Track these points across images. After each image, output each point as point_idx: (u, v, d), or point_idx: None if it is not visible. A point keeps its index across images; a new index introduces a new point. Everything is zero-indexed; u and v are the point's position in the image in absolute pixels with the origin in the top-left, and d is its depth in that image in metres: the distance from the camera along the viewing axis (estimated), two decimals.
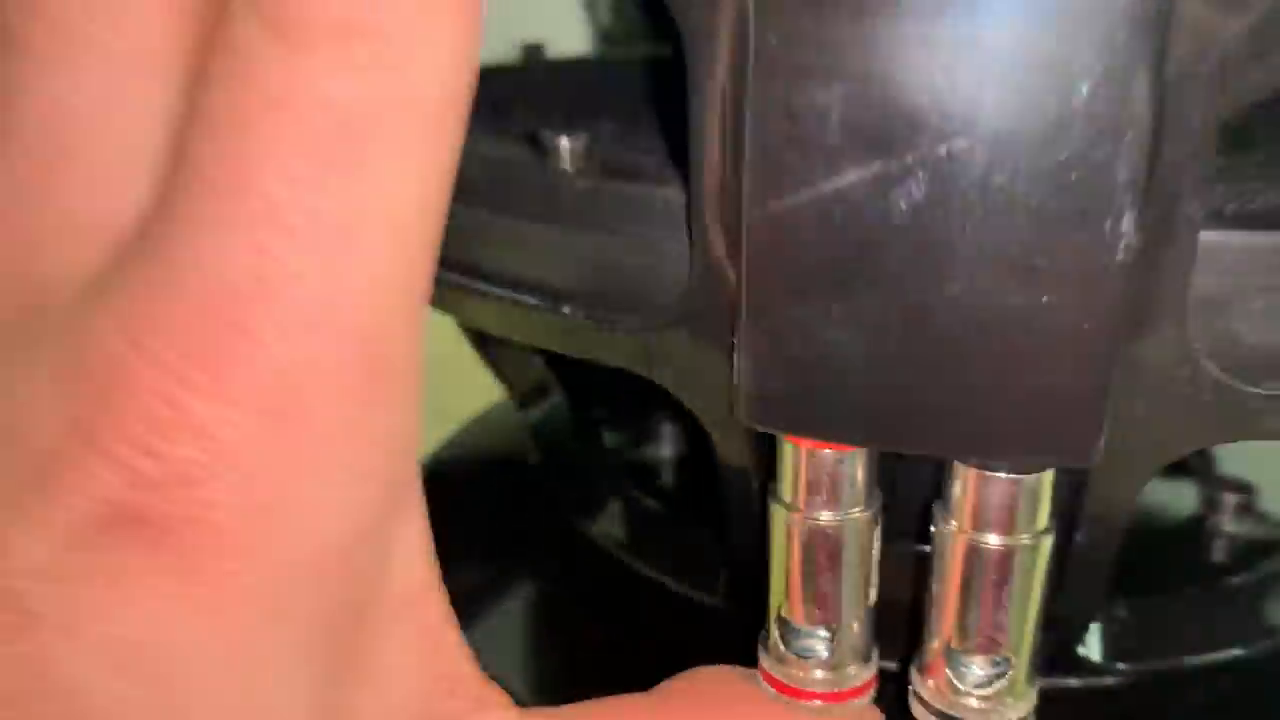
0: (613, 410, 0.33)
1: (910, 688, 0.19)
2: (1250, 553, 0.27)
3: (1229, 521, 0.28)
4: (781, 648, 0.18)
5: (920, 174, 0.14)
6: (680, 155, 0.17)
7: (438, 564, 0.16)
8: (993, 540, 0.17)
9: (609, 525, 0.28)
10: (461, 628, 0.17)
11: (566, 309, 0.20)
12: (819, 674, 0.18)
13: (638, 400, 0.32)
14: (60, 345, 0.14)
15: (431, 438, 0.34)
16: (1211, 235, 0.15)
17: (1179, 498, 0.29)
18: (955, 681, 0.18)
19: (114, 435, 0.13)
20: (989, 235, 0.14)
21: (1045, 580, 0.17)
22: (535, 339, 0.21)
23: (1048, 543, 0.17)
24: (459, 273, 0.21)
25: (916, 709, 0.18)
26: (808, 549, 0.18)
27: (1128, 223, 0.14)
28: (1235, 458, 0.30)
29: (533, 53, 0.34)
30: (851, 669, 0.18)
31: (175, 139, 0.14)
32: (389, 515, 0.15)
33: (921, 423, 0.16)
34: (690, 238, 0.17)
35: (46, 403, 0.14)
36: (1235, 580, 0.26)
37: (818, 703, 0.18)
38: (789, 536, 0.18)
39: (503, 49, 0.34)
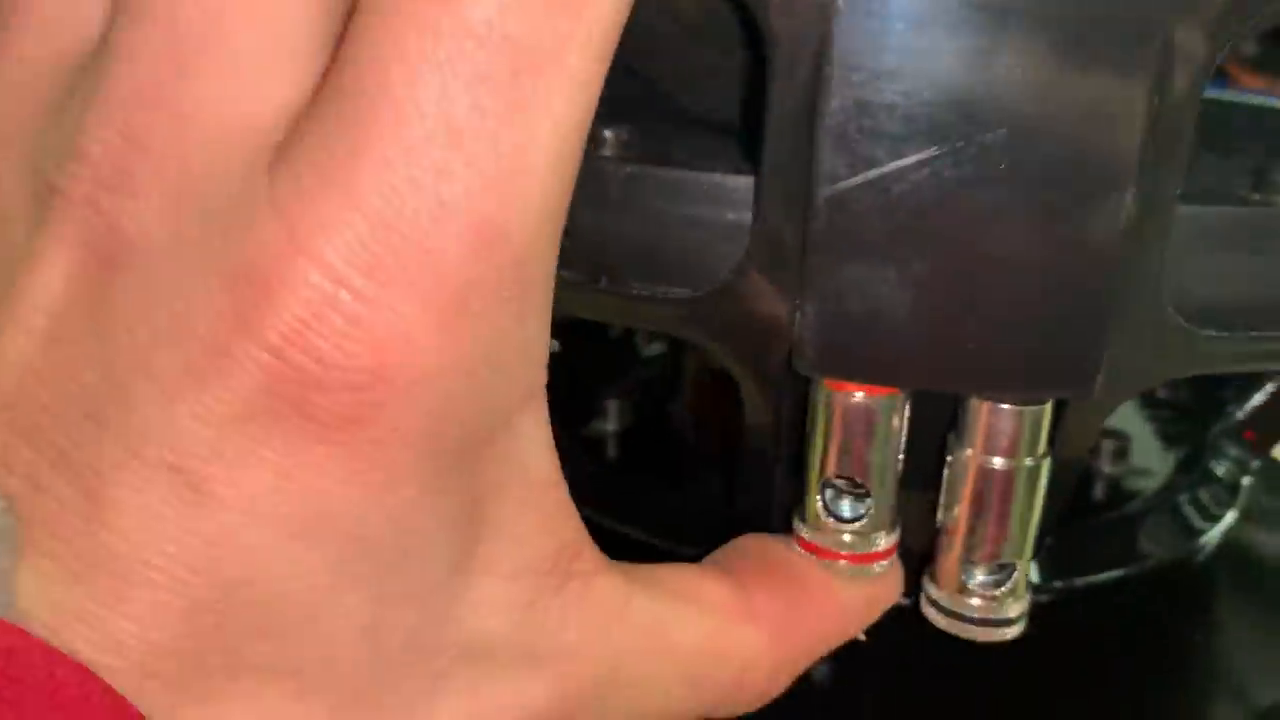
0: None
1: (923, 593, 0.22)
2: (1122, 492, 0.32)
3: (1108, 464, 0.33)
4: (820, 515, 0.21)
5: (965, 156, 0.18)
6: (701, 145, 0.20)
7: (559, 459, 0.18)
8: (999, 463, 0.20)
9: None
10: None
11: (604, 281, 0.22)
12: (848, 538, 0.21)
13: (581, 377, 0.35)
14: (227, 246, 0.15)
15: None
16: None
17: None
18: (966, 583, 0.21)
19: (279, 334, 0.14)
20: (1019, 207, 0.18)
21: (1044, 497, 0.21)
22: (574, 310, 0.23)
23: (1046, 465, 0.20)
24: None
25: (928, 610, 0.22)
26: (848, 423, 0.20)
27: (1129, 197, 0.18)
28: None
29: None
30: (877, 536, 0.21)
31: (330, 46, 0.15)
32: (525, 413, 0.17)
33: (953, 365, 0.19)
34: (755, 211, 0.20)
35: (215, 298, 0.15)
36: (1112, 515, 0.31)
37: (844, 563, 0.22)
38: (829, 409, 0.20)
39: None
